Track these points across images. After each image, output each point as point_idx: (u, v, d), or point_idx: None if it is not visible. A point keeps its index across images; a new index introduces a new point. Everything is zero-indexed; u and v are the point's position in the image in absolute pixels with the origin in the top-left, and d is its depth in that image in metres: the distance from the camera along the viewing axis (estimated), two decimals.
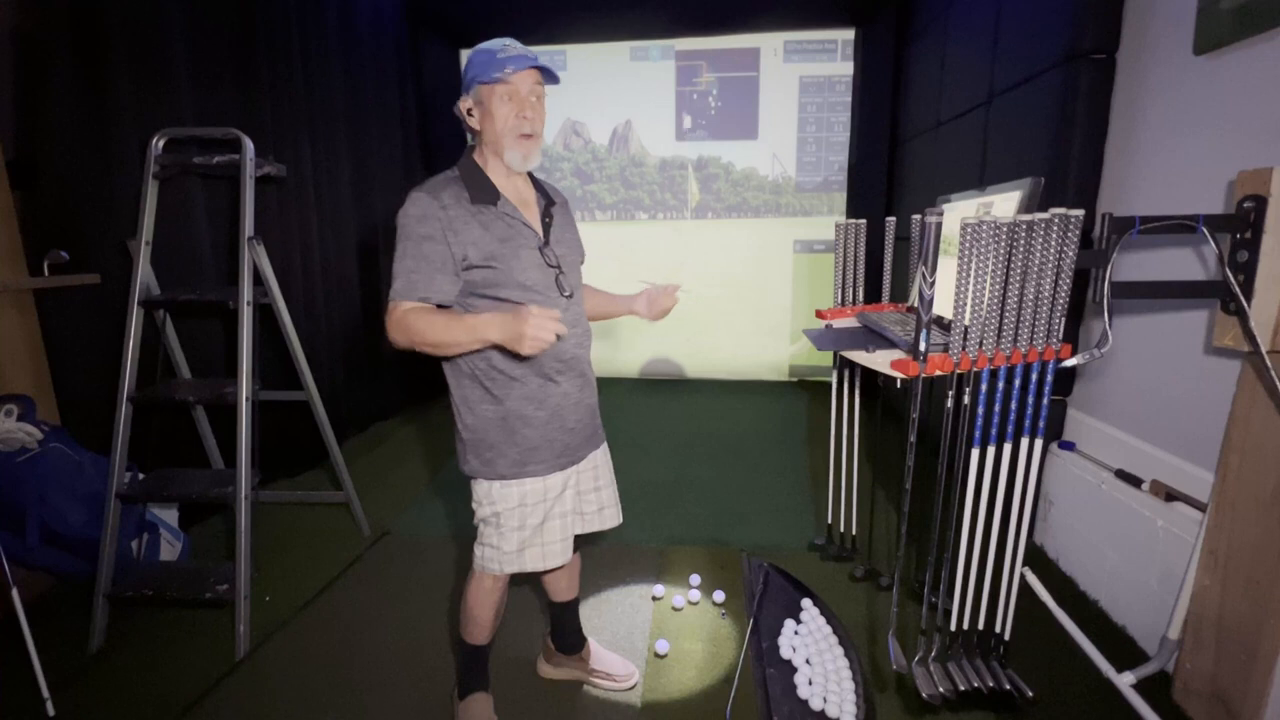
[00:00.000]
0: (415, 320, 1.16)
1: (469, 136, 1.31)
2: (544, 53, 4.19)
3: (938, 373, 1.17)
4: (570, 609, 1.61)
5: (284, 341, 2.21)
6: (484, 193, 1.23)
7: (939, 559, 1.30)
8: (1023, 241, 1.11)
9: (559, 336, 1.09)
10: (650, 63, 4.17)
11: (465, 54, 4.26)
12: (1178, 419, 1.65)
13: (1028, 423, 1.23)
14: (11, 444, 1.83)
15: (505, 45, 1.20)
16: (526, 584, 1.85)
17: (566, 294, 1.29)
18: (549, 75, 1.24)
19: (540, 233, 1.28)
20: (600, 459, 1.45)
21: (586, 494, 1.42)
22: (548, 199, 1.34)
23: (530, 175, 1.34)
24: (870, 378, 1.64)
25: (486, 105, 1.21)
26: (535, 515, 1.30)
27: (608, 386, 2.86)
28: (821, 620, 1.72)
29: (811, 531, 2.34)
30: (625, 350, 4.44)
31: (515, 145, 1.22)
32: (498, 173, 1.26)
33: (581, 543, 1.46)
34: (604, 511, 1.45)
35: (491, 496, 1.30)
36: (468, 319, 1.16)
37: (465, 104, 1.25)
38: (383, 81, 3.67)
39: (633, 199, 4.39)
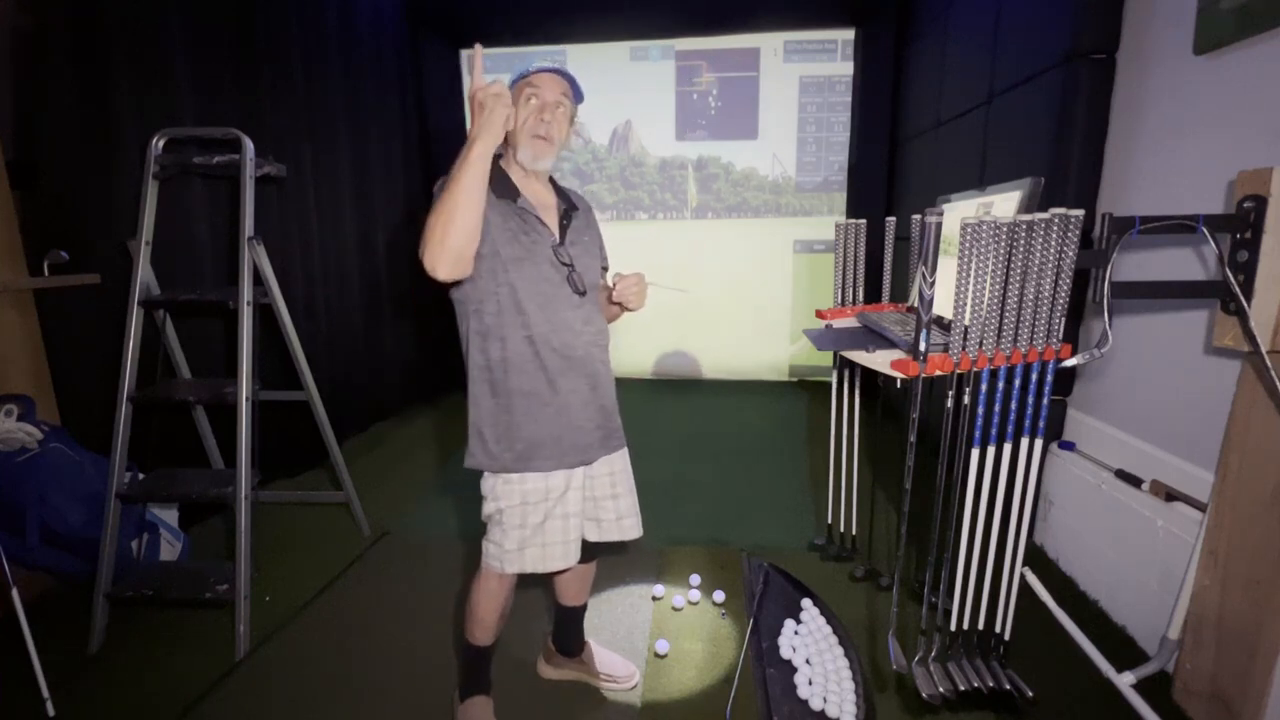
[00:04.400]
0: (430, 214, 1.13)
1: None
2: (544, 53, 4.19)
3: (938, 373, 1.18)
4: (576, 613, 1.61)
5: (284, 341, 2.21)
6: (504, 188, 1.28)
7: (939, 559, 1.30)
8: (1023, 241, 1.11)
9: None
10: (650, 63, 4.17)
11: (465, 54, 4.27)
12: (1178, 419, 1.65)
13: (1028, 423, 1.23)
14: (11, 444, 1.83)
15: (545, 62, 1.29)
16: (535, 586, 1.84)
17: (580, 291, 1.31)
18: (576, 93, 1.31)
19: (555, 232, 1.31)
20: (618, 465, 1.42)
21: (603, 501, 1.40)
22: (569, 204, 1.38)
23: (554, 182, 1.40)
24: (870, 378, 1.64)
25: (515, 107, 1.26)
26: (536, 514, 1.30)
27: None
28: (821, 620, 1.72)
29: (811, 531, 2.34)
30: (624, 350, 4.44)
31: (528, 143, 1.28)
32: (517, 174, 1.32)
33: (596, 549, 1.45)
34: (623, 521, 1.42)
35: (495, 492, 1.30)
36: (456, 166, 1.10)
37: None
38: (383, 81, 3.67)
39: (633, 199, 4.39)
